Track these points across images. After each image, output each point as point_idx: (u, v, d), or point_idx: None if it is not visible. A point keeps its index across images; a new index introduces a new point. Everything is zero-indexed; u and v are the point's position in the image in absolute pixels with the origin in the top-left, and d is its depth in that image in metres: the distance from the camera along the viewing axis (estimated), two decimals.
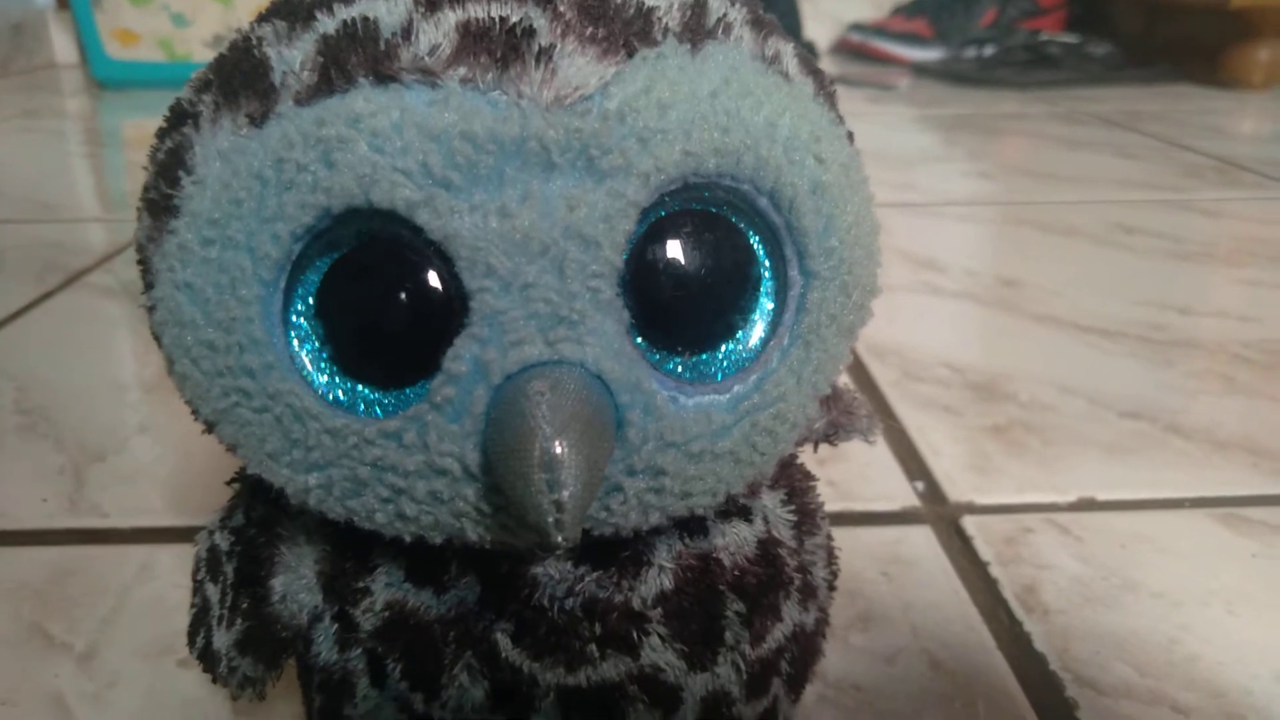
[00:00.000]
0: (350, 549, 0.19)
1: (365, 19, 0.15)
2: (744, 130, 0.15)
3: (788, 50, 0.17)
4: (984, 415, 0.41)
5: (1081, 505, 0.35)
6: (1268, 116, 1.11)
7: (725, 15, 0.16)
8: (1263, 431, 0.39)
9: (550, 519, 0.13)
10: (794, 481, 0.22)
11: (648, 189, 0.14)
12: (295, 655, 0.20)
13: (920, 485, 0.36)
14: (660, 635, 0.18)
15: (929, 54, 1.51)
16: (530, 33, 0.14)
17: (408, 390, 0.15)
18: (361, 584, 0.19)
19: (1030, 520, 0.34)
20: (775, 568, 0.20)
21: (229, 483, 0.21)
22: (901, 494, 0.35)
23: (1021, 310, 0.53)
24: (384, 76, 0.14)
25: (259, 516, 0.20)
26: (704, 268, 0.15)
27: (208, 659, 0.21)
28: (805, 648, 0.21)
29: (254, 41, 0.16)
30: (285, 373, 0.15)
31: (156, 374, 0.46)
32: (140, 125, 1.16)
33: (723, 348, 0.16)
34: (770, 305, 0.16)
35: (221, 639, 0.20)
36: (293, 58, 0.15)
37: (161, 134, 0.17)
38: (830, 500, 0.33)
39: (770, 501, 0.21)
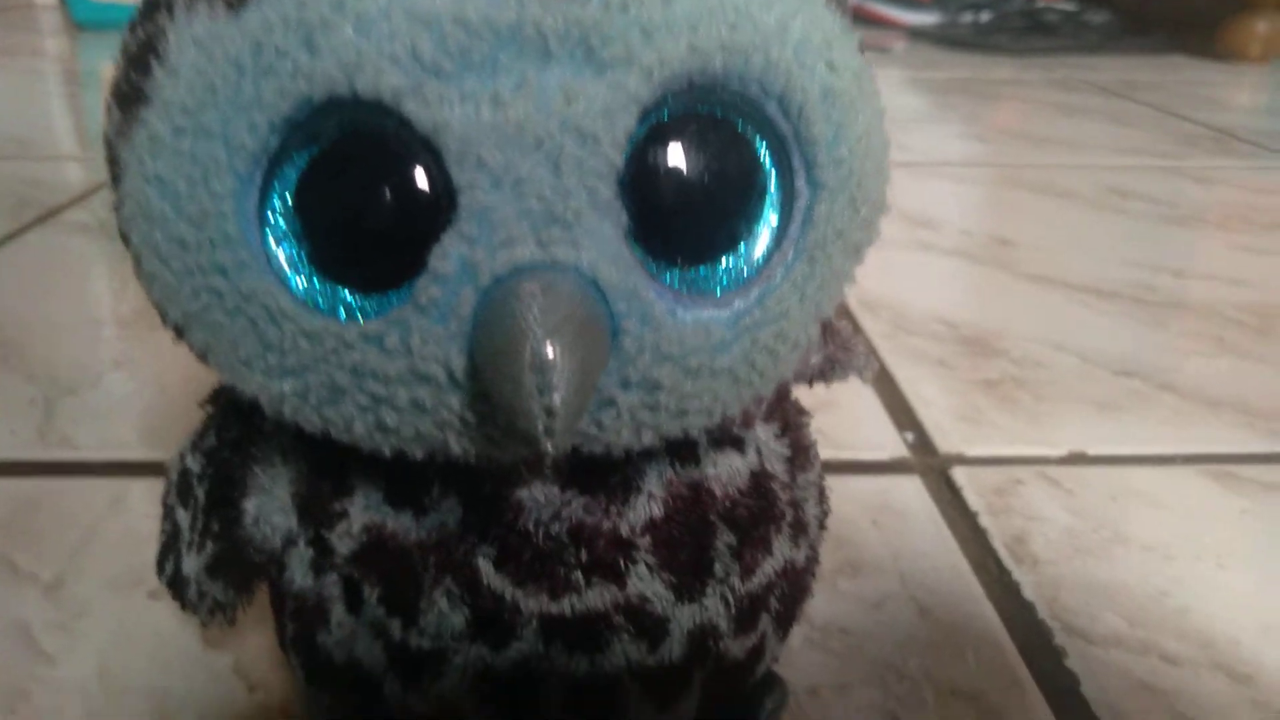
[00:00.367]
0: (327, 470, 0.18)
1: None
2: (753, 28, 0.14)
3: None
4: (976, 370, 0.41)
5: (1072, 459, 0.34)
6: (1264, 88, 1.11)
7: None
8: (1254, 392, 0.39)
9: (540, 424, 0.12)
10: (788, 416, 0.21)
11: (650, 84, 0.13)
12: (268, 581, 0.20)
13: (910, 436, 0.35)
14: (648, 564, 0.18)
15: (925, 18, 1.49)
16: None
17: (391, 293, 0.14)
18: (338, 506, 0.18)
19: (1020, 472, 0.33)
20: (767, 500, 0.19)
21: (202, 404, 0.20)
22: (891, 444, 0.35)
23: (1015, 269, 0.53)
24: None
25: (231, 437, 0.19)
26: (707, 173, 0.15)
27: (177, 585, 0.20)
28: (795, 585, 0.21)
29: None
30: (260, 272, 0.14)
31: (132, 310, 0.45)
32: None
33: (724, 260, 0.15)
34: (775, 217, 0.15)
35: (191, 564, 0.19)
36: None
37: (134, 25, 0.16)
38: (820, 448, 0.33)
39: (764, 434, 0.20)
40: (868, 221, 0.16)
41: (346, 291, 0.14)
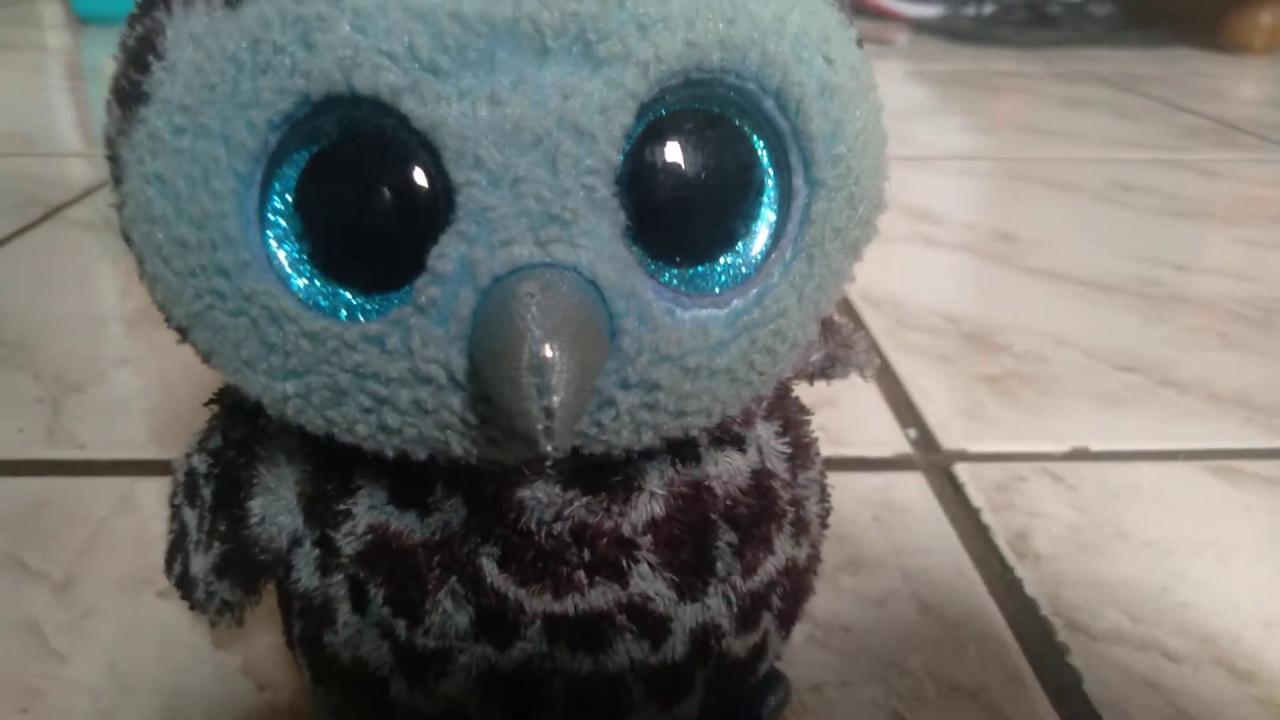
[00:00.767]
0: (332, 470, 0.18)
1: None
2: (750, 23, 0.14)
3: None
4: (978, 365, 0.41)
5: (1075, 455, 0.34)
6: (1268, 81, 1.10)
7: None
8: (1257, 386, 0.39)
9: (540, 426, 0.12)
10: (789, 414, 0.21)
11: (647, 80, 0.13)
12: (275, 581, 0.20)
13: (913, 432, 0.35)
14: (650, 563, 0.18)
15: (928, 10, 1.48)
16: None
17: (392, 294, 0.14)
18: (343, 506, 0.18)
19: (1023, 469, 0.33)
20: (768, 499, 0.20)
21: (207, 404, 0.21)
22: (893, 440, 0.35)
23: (1017, 263, 0.53)
24: None
25: (237, 437, 0.19)
26: (705, 171, 0.15)
27: (185, 585, 0.20)
28: (796, 583, 0.21)
29: None
30: (261, 272, 0.14)
31: (137, 309, 0.45)
32: None
33: (722, 259, 0.15)
34: (773, 215, 0.15)
35: (199, 564, 0.20)
36: None
37: (132, 20, 0.16)
38: (822, 445, 0.33)
39: (765, 433, 0.20)
40: (866, 219, 0.16)
41: (347, 292, 0.14)
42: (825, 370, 0.23)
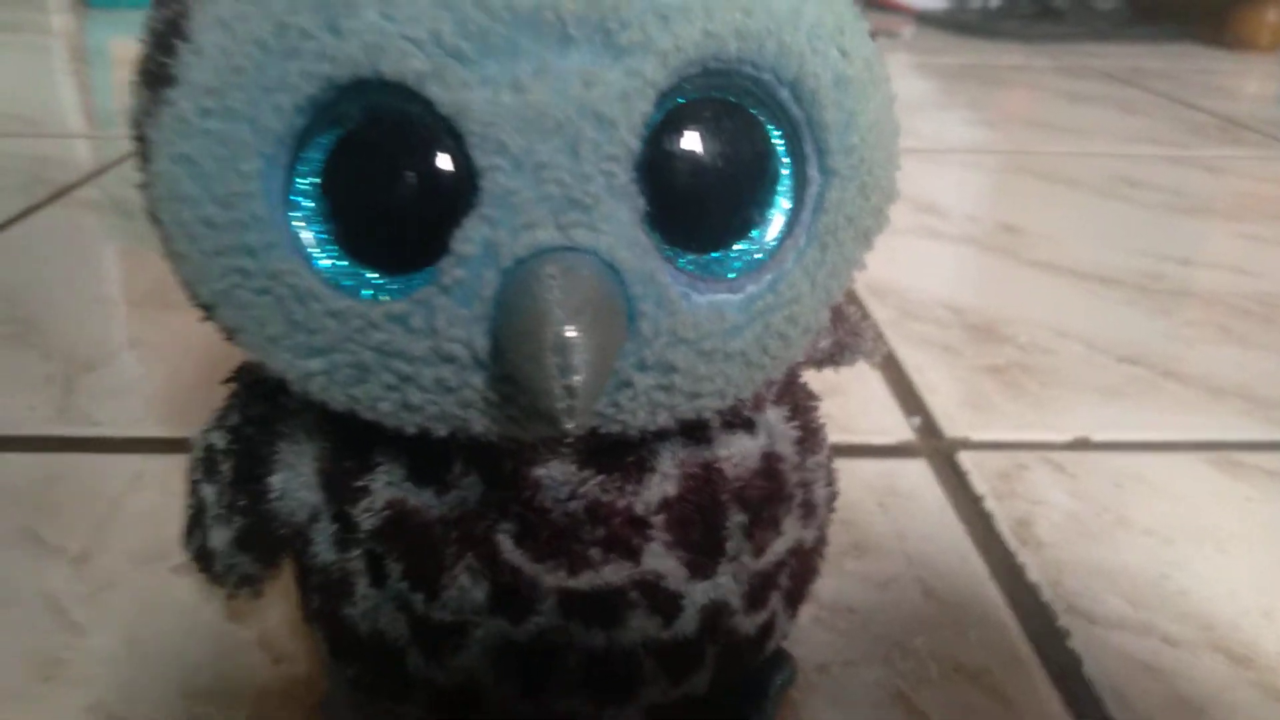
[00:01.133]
0: (351, 447, 0.18)
1: None
2: (768, 14, 0.14)
3: None
4: (982, 356, 0.41)
5: (1077, 445, 0.35)
6: (1274, 77, 1.11)
7: None
8: (1258, 380, 0.39)
9: (561, 404, 0.13)
10: (798, 399, 0.22)
11: (666, 69, 0.14)
12: (292, 555, 0.20)
13: (916, 420, 0.36)
14: (662, 541, 0.18)
15: (934, 2, 1.48)
16: None
17: (415, 274, 0.15)
18: (361, 483, 0.18)
19: (1025, 457, 0.34)
20: (777, 481, 0.20)
21: (224, 382, 0.21)
22: (897, 428, 0.35)
23: (1021, 256, 0.53)
24: None
25: (256, 414, 0.20)
26: (721, 158, 0.15)
27: (204, 558, 0.21)
28: (803, 564, 0.21)
29: None
30: (287, 252, 0.14)
31: (145, 289, 0.45)
32: (128, 44, 1.14)
33: (737, 245, 0.15)
34: (787, 203, 0.16)
35: (218, 537, 0.20)
36: None
37: (158, 4, 0.16)
38: (828, 432, 0.33)
39: (774, 417, 0.21)
40: (878, 208, 0.17)
41: (371, 272, 0.15)
42: (834, 357, 0.23)
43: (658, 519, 0.18)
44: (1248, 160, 0.74)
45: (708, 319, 0.15)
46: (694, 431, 0.19)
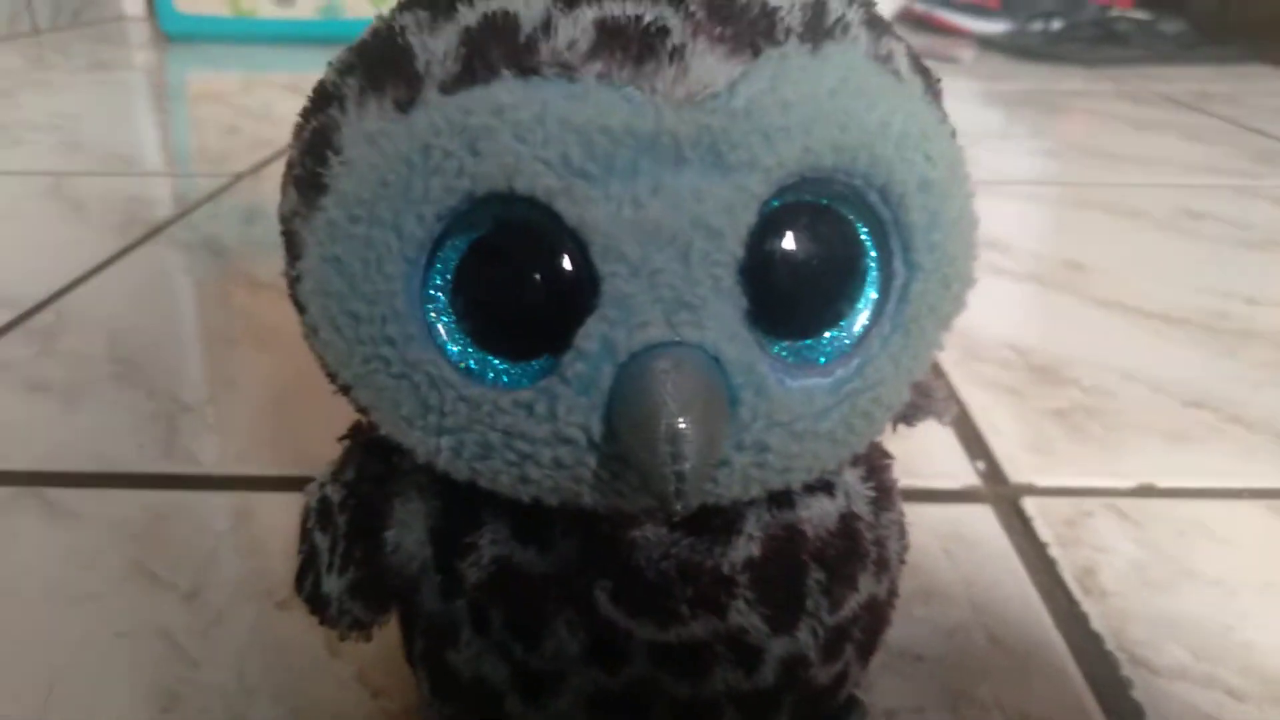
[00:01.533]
0: (460, 506, 0.20)
1: (506, 13, 0.16)
2: (860, 129, 0.16)
3: (900, 49, 0.18)
4: (1046, 398, 0.42)
5: (1141, 491, 0.35)
6: None
7: (843, 16, 0.17)
8: None
9: (672, 488, 0.14)
10: (873, 460, 0.23)
11: (769, 183, 0.15)
12: (400, 602, 0.22)
13: (981, 465, 0.37)
14: (746, 599, 0.19)
15: (995, 26, 1.48)
16: (664, 31, 0.15)
17: (535, 363, 0.16)
18: (470, 540, 0.20)
19: (1090, 504, 0.34)
20: (854, 541, 0.21)
21: (341, 439, 0.23)
22: (963, 473, 0.36)
23: (1085, 294, 0.53)
24: (525, 69, 0.15)
25: (372, 473, 0.21)
26: (816, 258, 0.16)
27: (316, 602, 0.22)
28: (876, 617, 0.22)
29: (397, 29, 0.17)
30: (424, 344, 0.16)
31: (238, 330, 0.48)
32: (205, 80, 1.19)
33: (828, 333, 0.17)
34: (874, 294, 0.17)
35: (333, 584, 0.22)
36: (436, 47, 0.16)
37: (307, 114, 0.18)
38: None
39: (851, 478, 0.22)
40: (958, 296, 0.18)
41: (497, 359, 0.16)
42: (906, 417, 0.24)
43: (743, 578, 0.19)
44: None
45: (800, 403, 0.16)
46: (778, 495, 0.20)
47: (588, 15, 0.16)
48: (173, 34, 1.41)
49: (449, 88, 0.16)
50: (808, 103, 0.16)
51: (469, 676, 0.20)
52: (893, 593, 0.23)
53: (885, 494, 0.23)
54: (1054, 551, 0.32)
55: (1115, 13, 1.36)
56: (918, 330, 0.17)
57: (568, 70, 0.15)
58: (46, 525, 0.33)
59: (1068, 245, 0.62)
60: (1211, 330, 0.49)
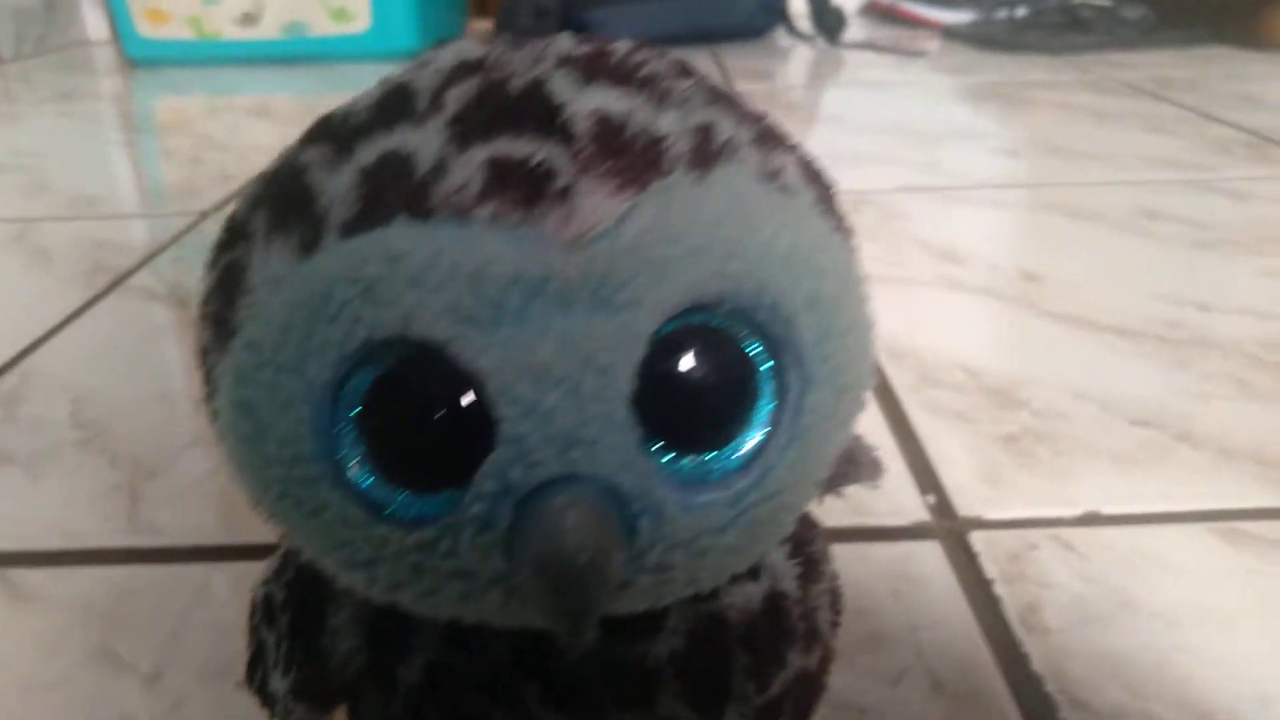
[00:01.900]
0: (394, 615, 0.21)
1: (401, 153, 0.17)
2: (745, 255, 0.16)
3: (790, 161, 0.19)
4: (997, 423, 0.42)
5: (1086, 520, 0.36)
6: None
7: (731, 138, 0.17)
8: (1272, 440, 0.40)
9: (569, 625, 0.15)
10: (800, 533, 0.23)
11: (656, 317, 0.16)
12: (345, 701, 0.22)
13: (931, 498, 0.37)
14: (673, 692, 0.20)
15: (959, 16, 1.49)
16: (551, 174, 0.16)
17: (441, 495, 0.17)
18: (404, 644, 0.21)
19: (1036, 535, 0.35)
20: (781, 619, 0.22)
21: (282, 538, 0.23)
22: (913, 507, 0.37)
23: (1040, 307, 0.54)
24: (419, 213, 0.16)
25: (310, 575, 0.22)
26: (709, 379, 0.17)
27: (265, 697, 0.23)
28: (809, 688, 0.23)
29: (300, 166, 0.18)
30: (333, 483, 0.17)
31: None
32: (172, 107, 1.18)
33: (726, 448, 0.17)
34: (770, 407, 0.17)
35: (278, 683, 0.22)
36: (336, 186, 0.17)
37: (220, 246, 0.19)
38: (843, 515, 0.35)
39: (776, 556, 0.22)
40: (854, 400, 0.19)
41: (403, 493, 0.17)
42: (833, 487, 0.25)
43: (668, 671, 0.20)
44: (1273, 181, 0.74)
45: (700, 521, 0.17)
46: None
47: (479, 155, 0.16)
48: (137, 59, 1.40)
49: (348, 230, 0.16)
50: (693, 234, 0.16)
51: None
52: (826, 659, 0.24)
53: (812, 566, 0.23)
54: (999, 589, 0.32)
55: (1078, 0, 1.37)
56: (815, 438, 0.18)
57: (460, 213, 0.16)
58: (12, 608, 0.33)
59: (1025, 254, 0.62)
60: (1163, 341, 0.49)
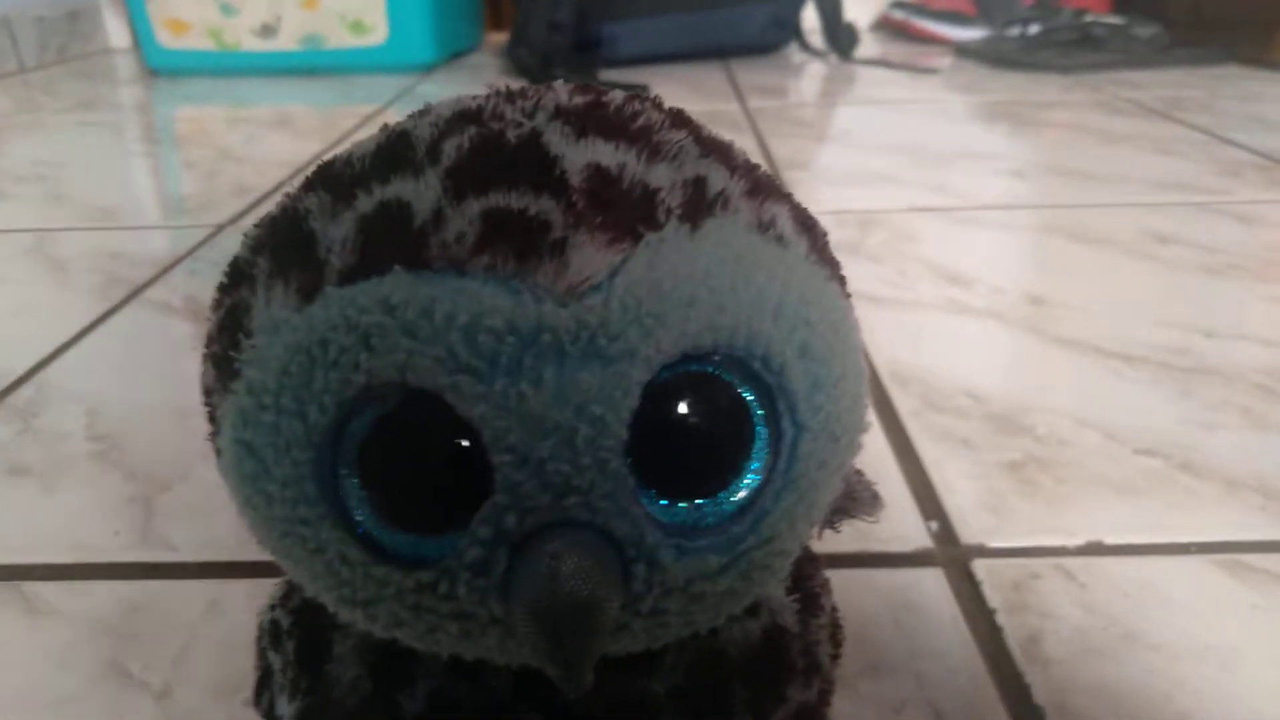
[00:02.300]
0: (397, 646, 0.21)
1: (400, 202, 0.17)
2: (737, 307, 0.17)
3: (783, 212, 0.19)
4: (1001, 449, 0.43)
5: (1089, 549, 0.36)
6: None
7: (724, 190, 0.18)
8: (1277, 471, 0.40)
9: (563, 669, 0.15)
10: (799, 568, 0.24)
11: (649, 368, 0.16)
12: None
13: (934, 525, 0.38)
14: None
15: (971, 33, 1.49)
16: (545, 227, 0.16)
17: (441, 538, 0.17)
18: (408, 674, 0.21)
19: (1038, 565, 0.35)
20: (780, 654, 0.22)
21: None
22: (916, 534, 0.37)
23: (1046, 332, 0.54)
24: (416, 263, 0.16)
25: (315, 605, 0.22)
26: (702, 426, 0.17)
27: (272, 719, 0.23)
28: None
29: (302, 213, 0.18)
30: (333, 525, 0.17)
31: None
32: (192, 117, 1.19)
33: (720, 495, 0.18)
34: (764, 456, 0.18)
35: (284, 708, 0.23)
36: (336, 234, 0.17)
37: (223, 288, 0.19)
38: (846, 541, 0.35)
39: (776, 591, 0.23)
40: (848, 446, 0.19)
41: (403, 535, 0.17)
42: (832, 522, 0.25)
43: (668, 705, 0.20)
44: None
45: (694, 566, 0.17)
46: None
47: (475, 207, 0.16)
48: (157, 69, 1.42)
49: (346, 277, 0.17)
50: (685, 286, 0.16)
51: None
52: (827, 691, 0.24)
53: (812, 600, 0.24)
54: (1001, 619, 0.33)
55: (1090, 17, 1.37)
56: (809, 484, 0.18)
57: (456, 264, 0.16)
58: (25, 622, 0.34)
59: (1031, 278, 0.62)
60: (1168, 368, 0.50)
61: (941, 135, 0.98)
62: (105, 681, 0.31)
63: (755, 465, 0.18)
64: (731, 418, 0.17)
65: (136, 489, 0.41)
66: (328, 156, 0.19)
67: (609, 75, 1.29)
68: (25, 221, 0.78)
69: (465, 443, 0.16)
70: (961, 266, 0.63)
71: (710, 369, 0.17)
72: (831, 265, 0.20)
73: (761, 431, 0.18)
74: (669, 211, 0.17)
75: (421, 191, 0.17)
